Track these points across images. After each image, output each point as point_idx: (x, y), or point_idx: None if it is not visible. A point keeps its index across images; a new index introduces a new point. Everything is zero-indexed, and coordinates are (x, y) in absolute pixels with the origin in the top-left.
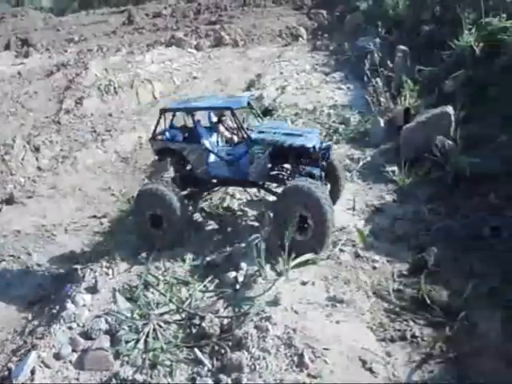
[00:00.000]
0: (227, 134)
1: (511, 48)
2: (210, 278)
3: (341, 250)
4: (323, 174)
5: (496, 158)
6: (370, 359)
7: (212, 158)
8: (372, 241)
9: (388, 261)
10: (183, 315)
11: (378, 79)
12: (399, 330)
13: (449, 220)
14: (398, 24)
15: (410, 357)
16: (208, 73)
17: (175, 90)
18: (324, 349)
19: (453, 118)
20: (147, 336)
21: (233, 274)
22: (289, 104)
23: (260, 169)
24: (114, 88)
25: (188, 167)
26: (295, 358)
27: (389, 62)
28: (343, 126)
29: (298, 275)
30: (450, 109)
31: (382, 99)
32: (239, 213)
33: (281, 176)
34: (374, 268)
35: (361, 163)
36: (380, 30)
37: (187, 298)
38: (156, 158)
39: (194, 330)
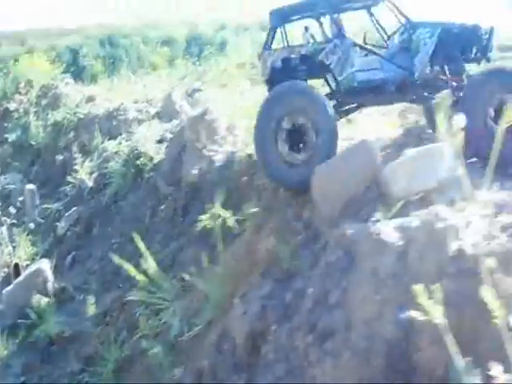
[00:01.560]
0: None
1: (118, 175)
2: None
3: None
4: None
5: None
6: None
7: (360, 60)
8: None
9: None
10: None
11: (3, 228)
12: None
13: None
14: (39, 154)
15: None
16: None
17: None
18: None
19: (48, 273)
20: None
21: None
22: None
23: (426, 61)
24: None
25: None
26: None
27: (11, 208)
28: None
29: None
30: (44, 263)
31: (6, 251)
32: None
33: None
34: None
35: None
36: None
37: None
38: None
39: None
